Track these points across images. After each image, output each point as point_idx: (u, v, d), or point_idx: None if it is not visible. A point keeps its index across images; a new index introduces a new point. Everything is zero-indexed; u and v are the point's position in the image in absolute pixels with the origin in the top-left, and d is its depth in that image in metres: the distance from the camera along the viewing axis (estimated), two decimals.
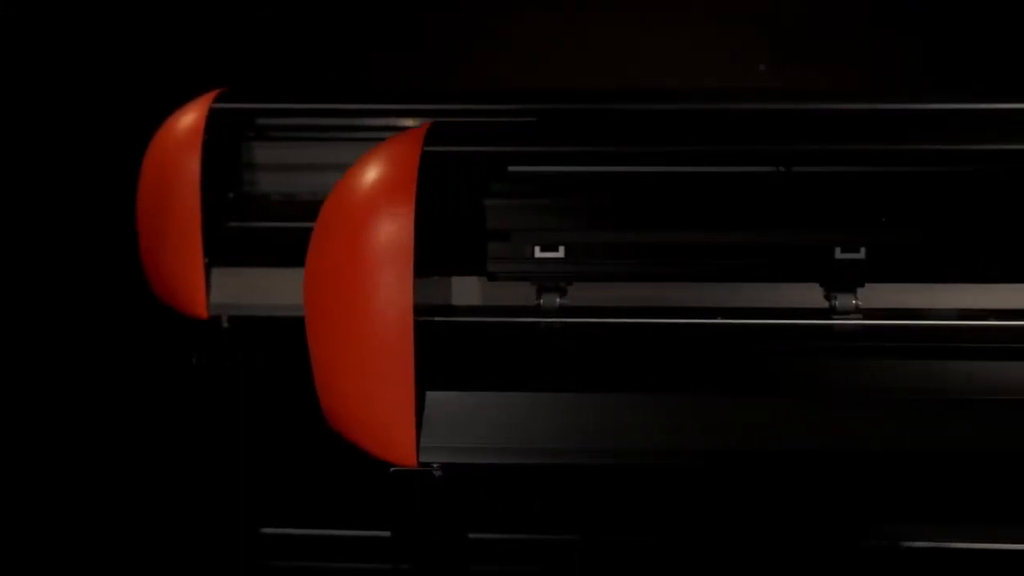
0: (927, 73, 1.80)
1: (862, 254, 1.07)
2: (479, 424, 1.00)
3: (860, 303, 1.09)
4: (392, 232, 0.97)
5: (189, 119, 1.38)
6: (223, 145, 1.41)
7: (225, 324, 1.39)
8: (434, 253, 1.10)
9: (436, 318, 1.04)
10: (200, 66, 1.72)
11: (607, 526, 1.34)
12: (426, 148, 1.00)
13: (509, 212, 1.08)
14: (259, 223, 1.44)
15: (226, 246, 1.40)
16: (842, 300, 1.09)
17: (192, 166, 1.35)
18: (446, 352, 1.03)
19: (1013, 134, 1.03)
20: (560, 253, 1.09)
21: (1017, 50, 1.73)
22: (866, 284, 1.09)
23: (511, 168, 1.10)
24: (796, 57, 1.82)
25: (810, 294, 1.11)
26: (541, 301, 1.11)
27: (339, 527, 1.41)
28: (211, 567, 1.41)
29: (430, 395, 1.00)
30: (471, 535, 1.17)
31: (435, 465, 1.00)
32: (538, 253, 1.09)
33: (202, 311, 1.37)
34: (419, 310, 0.98)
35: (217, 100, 1.40)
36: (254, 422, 1.42)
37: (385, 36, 1.80)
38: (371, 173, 1.00)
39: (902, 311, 1.09)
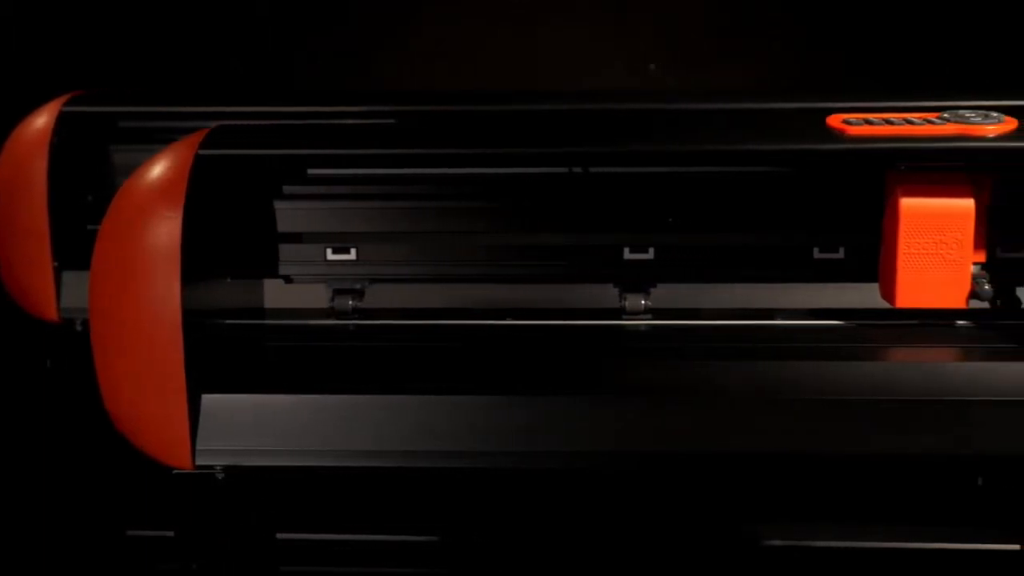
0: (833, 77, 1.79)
1: (651, 255, 1.07)
2: (259, 426, 1.00)
3: (650, 303, 1.08)
4: (161, 235, 0.97)
5: (38, 123, 1.38)
6: (80, 148, 1.41)
7: (79, 327, 1.39)
8: (242, 256, 1.10)
9: (214, 321, 1.03)
10: (74, 67, 1.72)
11: (462, 524, 1.34)
12: (203, 152, 1.00)
13: (300, 214, 1.08)
14: None
15: (84, 249, 1.39)
16: (632, 301, 1.08)
17: (39, 169, 1.35)
18: (224, 355, 1.03)
19: (810, 135, 1.02)
20: (352, 255, 1.09)
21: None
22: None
23: (311, 171, 1.10)
24: (693, 58, 1.81)
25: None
26: (334, 303, 1.11)
27: None
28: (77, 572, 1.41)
29: (207, 398, 0.99)
30: (281, 535, 1.18)
31: (217, 468, 1.00)
32: (330, 255, 1.09)
33: (52, 314, 1.37)
34: (196, 314, 0.98)
35: (71, 103, 1.40)
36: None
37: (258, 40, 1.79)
38: (147, 177, 1.00)
39: (691, 311, 1.09)
